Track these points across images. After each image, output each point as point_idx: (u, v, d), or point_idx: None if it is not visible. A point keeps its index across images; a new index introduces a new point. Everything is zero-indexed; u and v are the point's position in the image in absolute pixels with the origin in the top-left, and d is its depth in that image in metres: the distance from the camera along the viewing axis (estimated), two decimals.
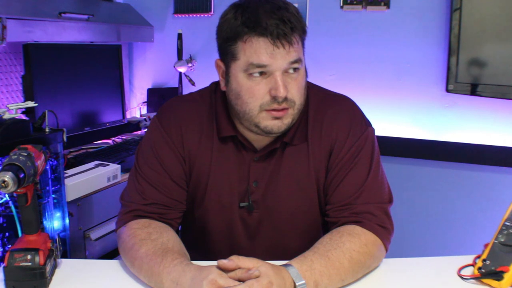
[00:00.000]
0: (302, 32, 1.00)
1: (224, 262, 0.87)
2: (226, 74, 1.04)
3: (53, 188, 1.55)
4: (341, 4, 2.41)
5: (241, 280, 0.85)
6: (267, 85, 0.98)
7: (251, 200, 1.11)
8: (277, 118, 1.01)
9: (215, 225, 1.15)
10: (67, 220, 1.61)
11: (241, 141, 1.10)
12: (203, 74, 2.66)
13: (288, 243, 1.15)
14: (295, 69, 1.00)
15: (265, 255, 1.09)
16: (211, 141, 1.11)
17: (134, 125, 2.58)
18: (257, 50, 0.96)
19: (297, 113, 1.03)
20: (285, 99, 0.99)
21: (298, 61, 0.99)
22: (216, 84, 1.14)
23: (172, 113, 1.13)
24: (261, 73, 0.98)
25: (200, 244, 1.19)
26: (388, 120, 2.40)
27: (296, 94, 1.01)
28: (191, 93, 1.19)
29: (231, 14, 0.99)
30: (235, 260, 0.87)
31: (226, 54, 1.02)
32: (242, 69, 0.99)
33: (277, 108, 0.99)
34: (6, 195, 1.31)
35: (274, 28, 0.94)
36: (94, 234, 1.81)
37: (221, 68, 1.06)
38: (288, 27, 0.95)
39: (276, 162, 1.10)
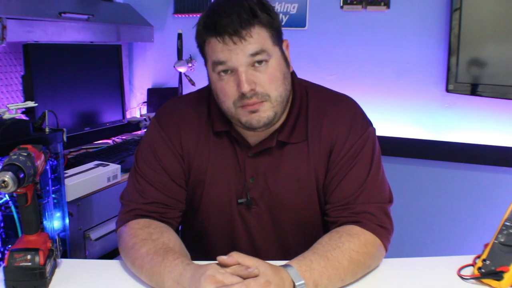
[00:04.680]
0: (265, 22, 0.98)
1: (223, 258, 0.88)
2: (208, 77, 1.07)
3: (53, 188, 1.55)
4: (341, 4, 2.41)
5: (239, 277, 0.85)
6: (235, 82, 0.99)
7: (249, 196, 1.11)
8: (253, 112, 1.00)
9: (214, 222, 1.15)
10: (67, 220, 1.61)
11: (235, 137, 1.10)
12: (203, 74, 2.60)
13: (288, 240, 1.15)
14: (262, 61, 0.99)
15: (265, 252, 1.10)
16: (208, 139, 1.11)
17: (134, 125, 2.58)
18: (214, 49, 0.98)
19: (278, 105, 1.02)
20: (255, 93, 0.99)
21: (260, 52, 0.98)
22: None
23: (171, 113, 1.14)
24: (227, 72, 0.99)
25: (200, 242, 1.19)
26: (388, 120, 2.40)
27: (269, 87, 1.00)
28: (189, 93, 1.21)
29: (199, 20, 1.02)
30: (235, 257, 0.87)
31: (203, 59, 1.05)
32: (211, 69, 1.02)
33: (249, 103, 0.99)
34: (6, 195, 1.31)
35: (222, 28, 0.96)
36: (94, 234, 1.81)
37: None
38: (237, 23, 0.95)
39: (275, 159, 1.10)
